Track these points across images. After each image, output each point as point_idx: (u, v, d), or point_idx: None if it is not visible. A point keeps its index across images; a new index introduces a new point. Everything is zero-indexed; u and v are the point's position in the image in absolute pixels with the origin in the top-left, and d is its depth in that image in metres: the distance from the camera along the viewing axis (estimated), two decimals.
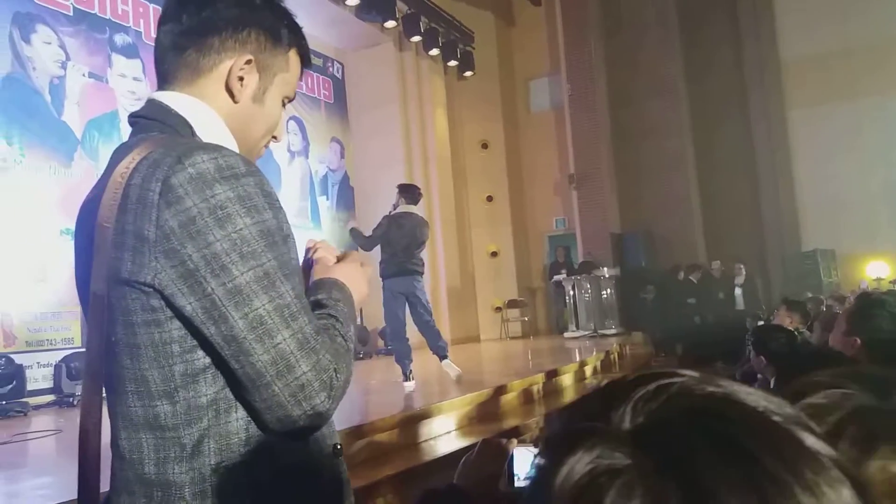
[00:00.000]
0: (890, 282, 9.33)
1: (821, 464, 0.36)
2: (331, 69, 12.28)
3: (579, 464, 0.36)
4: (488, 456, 1.03)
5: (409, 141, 12.29)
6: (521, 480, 0.95)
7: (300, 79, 1.17)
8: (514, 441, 1.05)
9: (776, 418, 0.37)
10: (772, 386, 3.10)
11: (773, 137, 14.38)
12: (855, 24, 13.30)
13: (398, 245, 6.31)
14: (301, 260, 1.04)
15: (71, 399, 6.61)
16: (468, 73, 13.36)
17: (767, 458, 0.35)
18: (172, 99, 1.04)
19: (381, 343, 10.79)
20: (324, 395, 0.88)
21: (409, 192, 6.71)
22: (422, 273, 6.42)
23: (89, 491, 0.94)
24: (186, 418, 0.91)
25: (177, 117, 1.02)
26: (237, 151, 1.00)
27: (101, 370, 0.94)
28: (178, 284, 0.86)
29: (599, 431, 0.38)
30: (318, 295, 1.02)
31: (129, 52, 8.47)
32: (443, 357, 6.26)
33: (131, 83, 8.40)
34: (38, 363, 6.91)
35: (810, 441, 0.37)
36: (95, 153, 7.76)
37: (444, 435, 4.66)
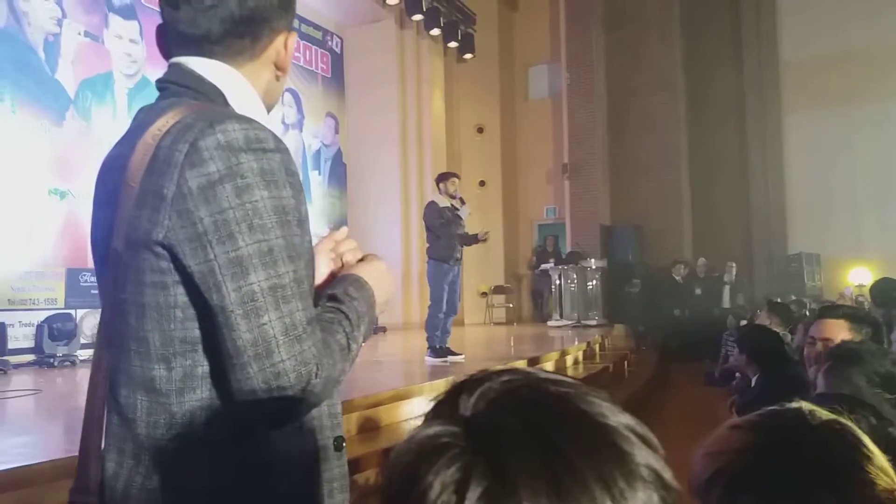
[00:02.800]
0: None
1: (629, 467, 0.38)
2: (330, 43, 12.17)
3: (417, 437, 0.42)
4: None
5: (405, 120, 12.23)
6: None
7: None
8: None
9: (604, 421, 0.41)
10: (753, 385, 3.15)
11: (767, 138, 14.43)
12: (855, 30, 13.31)
13: None
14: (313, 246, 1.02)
15: (52, 360, 6.58)
16: (468, 56, 13.28)
17: (572, 452, 0.38)
18: (205, 66, 1.02)
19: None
20: (297, 388, 0.85)
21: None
22: (427, 255, 6.62)
23: (90, 446, 0.94)
24: (180, 386, 0.90)
25: (210, 86, 1.01)
26: (268, 123, 1.00)
27: (112, 327, 0.94)
28: (185, 246, 0.86)
29: (443, 414, 0.43)
30: (334, 289, 1.00)
31: (127, 13, 8.35)
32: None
33: (127, 45, 8.29)
34: (19, 322, 6.87)
35: (633, 448, 0.40)
36: (88, 113, 7.66)
37: (420, 416, 4.67)
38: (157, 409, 0.91)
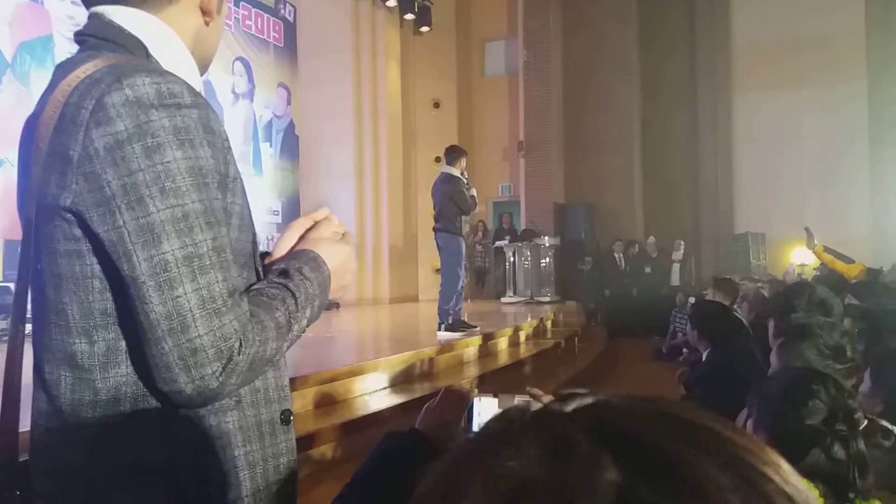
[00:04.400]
0: (814, 269, 9.74)
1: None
2: (282, 11, 11.86)
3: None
4: (449, 403, 1.06)
5: (359, 93, 12.04)
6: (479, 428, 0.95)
7: None
8: (476, 390, 1.07)
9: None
10: (704, 359, 3.21)
11: (718, 121, 14.71)
12: (806, 18, 13.60)
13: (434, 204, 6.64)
14: (247, 208, 0.94)
15: None
16: (424, 29, 13.12)
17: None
18: (124, 16, 0.93)
19: None
20: (217, 365, 0.79)
21: (446, 153, 6.94)
22: (444, 230, 6.48)
23: (10, 424, 0.89)
24: (104, 361, 0.84)
25: (130, 37, 0.93)
26: (196, 81, 0.93)
27: (26, 299, 0.88)
28: (92, 211, 0.80)
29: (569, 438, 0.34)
30: (287, 263, 0.94)
31: None
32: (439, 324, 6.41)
33: (69, 7, 7.90)
34: None
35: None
36: (26, 77, 7.31)
37: (378, 391, 4.67)
38: (81, 386, 0.85)
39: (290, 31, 12.02)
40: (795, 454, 1.46)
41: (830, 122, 13.63)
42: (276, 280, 0.92)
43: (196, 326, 0.79)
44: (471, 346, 6.20)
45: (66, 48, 7.75)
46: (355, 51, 11.98)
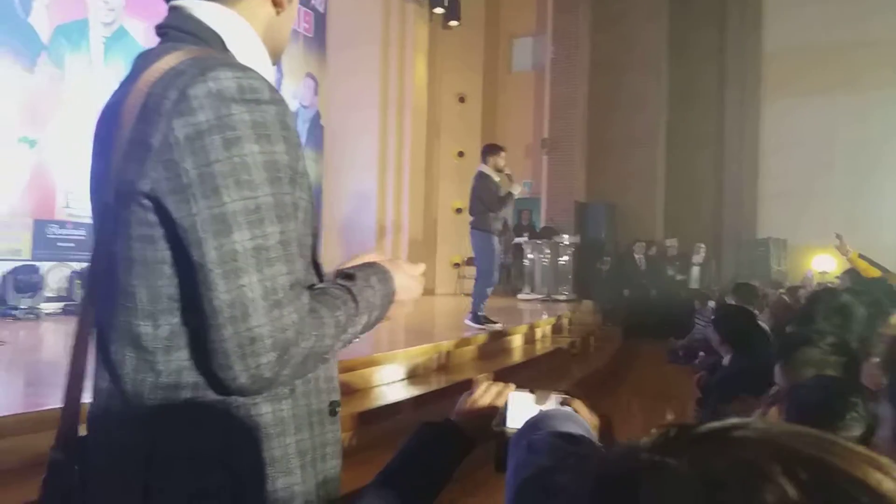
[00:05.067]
0: (836, 277, 9.65)
1: None
2: (313, 2, 11.90)
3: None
4: (485, 396, 1.07)
5: (385, 85, 12.06)
6: (513, 422, 0.99)
7: None
8: (512, 385, 1.09)
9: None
10: (725, 363, 3.21)
11: (745, 125, 14.56)
12: (839, 25, 13.41)
13: None
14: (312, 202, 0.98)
15: (14, 312, 6.45)
16: (453, 23, 13.08)
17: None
18: (203, 10, 0.97)
19: None
20: (273, 355, 0.81)
21: (481, 151, 7.03)
22: (474, 227, 6.65)
23: (73, 403, 0.92)
24: (167, 344, 0.87)
25: (209, 31, 0.96)
26: (269, 73, 0.96)
27: (100, 281, 0.91)
28: (168, 198, 0.83)
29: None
30: (357, 269, 0.97)
31: None
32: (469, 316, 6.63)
33: None
34: None
35: None
36: (61, 60, 7.41)
37: (395, 383, 4.71)
38: (143, 367, 0.88)
39: (320, 21, 12.07)
40: None
41: (862, 130, 13.44)
42: (341, 282, 0.95)
43: (257, 315, 0.81)
44: (486, 342, 6.24)
45: (100, 32, 7.86)
46: (384, 43, 12.00)
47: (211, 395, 0.87)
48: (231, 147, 0.82)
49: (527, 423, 0.88)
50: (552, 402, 1.04)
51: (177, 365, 0.87)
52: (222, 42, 0.97)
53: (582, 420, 0.91)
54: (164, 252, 0.86)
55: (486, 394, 1.08)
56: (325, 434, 0.99)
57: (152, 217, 0.85)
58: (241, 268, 0.81)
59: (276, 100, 0.87)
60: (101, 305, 0.92)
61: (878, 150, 13.38)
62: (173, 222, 0.83)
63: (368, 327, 0.97)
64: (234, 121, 0.82)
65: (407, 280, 1.04)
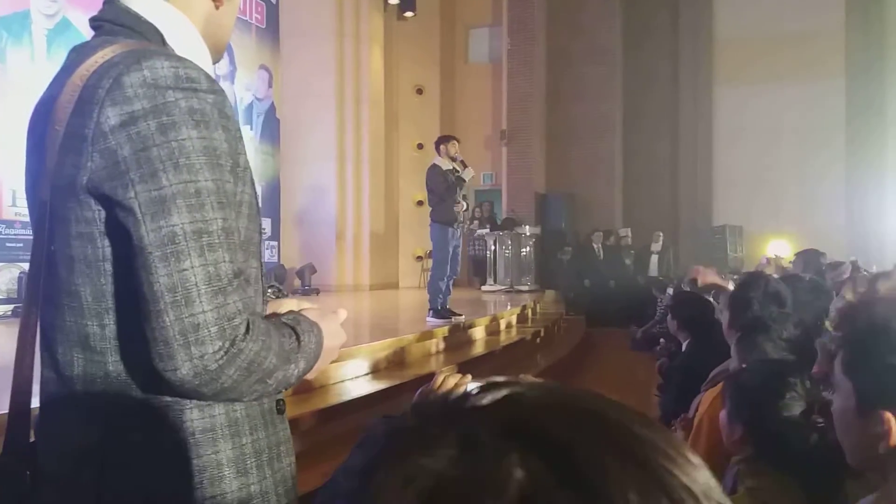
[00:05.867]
0: (789, 262, 9.88)
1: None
2: None
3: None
4: (442, 388, 1.08)
5: (342, 76, 11.92)
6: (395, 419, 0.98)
7: None
8: (469, 376, 1.09)
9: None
10: (684, 349, 3.25)
11: (698, 112, 14.84)
12: (789, 14, 13.75)
13: None
14: (257, 207, 0.95)
15: None
16: (409, 14, 13.02)
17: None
18: (141, 4, 0.95)
19: (297, 283, 10.64)
20: (219, 344, 0.78)
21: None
22: (432, 219, 6.69)
23: (21, 406, 0.90)
24: (115, 344, 0.85)
25: (146, 24, 0.94)
26: (209, 65, 0.95)
27: (40, 281, 0.88)
28: (105, 185, 0.80)
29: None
30: (296, 315, 0.94)
31: None
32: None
33: None
34: None
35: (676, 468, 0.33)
36: (2, 54, 7.12)
37: (357, 378, 4.66)
38: (94, 368, 0.86)
39: (272, 12, 11.86)
40: (774, 445, 1.48)
41: (809, 118, 13.81)
42: (285, 319, 0.92)
43: (201, 301, 0.78)
44: (450, 334, 6.21)
45: (42, 25, 7.58)
46: (338, 34, 11.85)
47: (163, 396, 0.85)
48: (167, 132, 0.80)
49: None
50: None
51: (126, 364, 0.85)
52: (161, 36, 0.95)
53: None
54: (104, 249, 0.84)
55: (442, 385, 1.09)
56: (277, 433, 0.97)
57: (89, 214, 0.83)
58: (181, 251, 0.78)
59: (215, 89, 0.86)
60: (44, 306, 0.90)
61: (824, 138, 13.78)
62: (113, 209, 0.81)
63: (300, 377, 0.93)
64: (170, 107, 0.81)
65: (334, 328, 1.01)
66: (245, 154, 0.90)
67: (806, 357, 1.96)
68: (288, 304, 1.03)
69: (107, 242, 0.84)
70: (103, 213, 0.83)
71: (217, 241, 0.81)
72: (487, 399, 0.34)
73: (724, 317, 2.40)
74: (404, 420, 0.35)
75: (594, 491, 0.30)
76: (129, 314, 0.84)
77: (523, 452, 0.31)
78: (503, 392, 0.35)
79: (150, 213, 0.79)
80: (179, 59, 0.86)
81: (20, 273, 6.86)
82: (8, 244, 6.86)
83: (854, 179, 13.81)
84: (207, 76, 0.86)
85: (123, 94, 0.80)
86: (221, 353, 0.79)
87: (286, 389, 0.94)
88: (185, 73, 0.83)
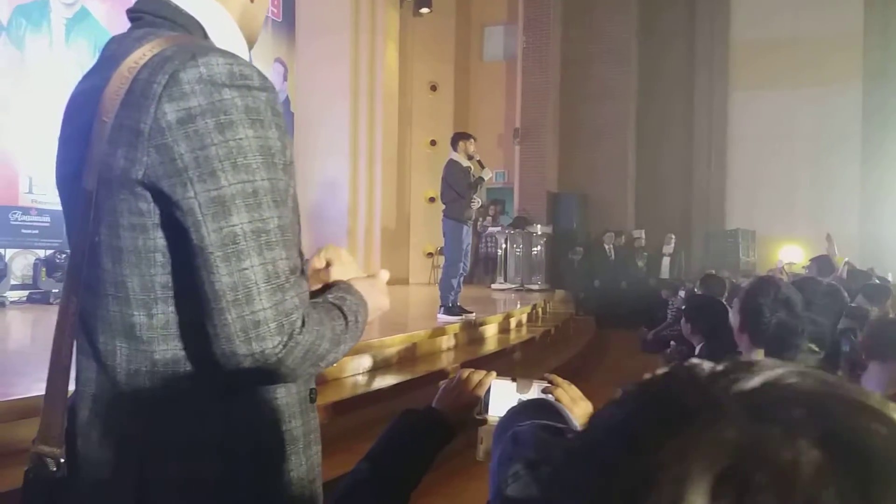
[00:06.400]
0: (803, 267, 9.83)
1: None
2: None
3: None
4: (466, 384, 1.09)
5: (356, 71, 11.93)
6: (494, 411, 1.02)
7: None
8: (493, 373, 1.10)
9: None
10: (697, 353, 3.23)
11: (713, 114, 14.75)
12: (805, 16, 13.65)
13: None
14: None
15: None
16: (424, 10, 13.01)
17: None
18: None
19: None
20: (278, 339, 0.81)
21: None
22: (446, 215, 6.63)
23: (57, 394, 0.90)
24: (163, 333, 0.86)
25: (187, 17, 0.95)
26: (245, 56, 0.96)
27: (82, 271, 0.89)
28: (163, 182, 0.81)
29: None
30: (345, 292, 0.97)
31: None
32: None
33: None
34: None
35: None
36: (21, 42, 7.17)
37: (369, 373, 4.67)
38: (138, 357, 0.87)
39: (288, 5, 11.88)
40: None
41: (824, 121, 13.71)
42: (332, 300, 0.95)
43: (261, 299, 0.81)
44: (461, 331, 6.22)
45: (61, 13, 7.63)
46: (354, 29, 11.86)
47: (209, 384, 0.87)
48: (225, 131, 0.81)
49: (508, 412, 0.87)
50: (534, 390, 1.07)
51: (173, 354, 0.87)
52: (203, 29, 0.96)
53: (563, 409, 0.90)
54: (156, 241, 0.85)
55: (467, 381, 1.10)
56: (309, 421, 0.99)
57: (143, 205, 0.84)
58: (241, 251, 0.81)
59: (267, 87, 0.87)
60: (84, 296, 0.90)
61: (838, 141, 13.67)
62: (170, 206, 0.82)
63: (346, 351, 0.97)
64: (227, 105, 0.82)
65: (379, 298, 1.05)
66: (291, 147, 0.91)
67: (826, 362, 1.95)
68: (335, 273, 1.05)
69: (159, 234, 0.84)
70: (158, 207, 0.83)
71: (274, 239, 0.83)
72: (755, 381, 0.33)
73: (734, 321, 2.38)
74: (668, 388, 0.35)
75: (885, 483, 0.29)
76: (179, 304, 0.86)
77: (814, 435, 0.30)
78: (774, 373, 0.34)
79: (210, 214, 0.80)
80: (232, 55, 0.87)
81: (36, 259, 6.91)
82: (24, 230, 6.92)
83: (868, 184, 13.69)
84: (259, 73, 0.87)
85: (181, 90, 0.81)
86: (280, 346, 0.81)
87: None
88: (240, 71, 0.84)
